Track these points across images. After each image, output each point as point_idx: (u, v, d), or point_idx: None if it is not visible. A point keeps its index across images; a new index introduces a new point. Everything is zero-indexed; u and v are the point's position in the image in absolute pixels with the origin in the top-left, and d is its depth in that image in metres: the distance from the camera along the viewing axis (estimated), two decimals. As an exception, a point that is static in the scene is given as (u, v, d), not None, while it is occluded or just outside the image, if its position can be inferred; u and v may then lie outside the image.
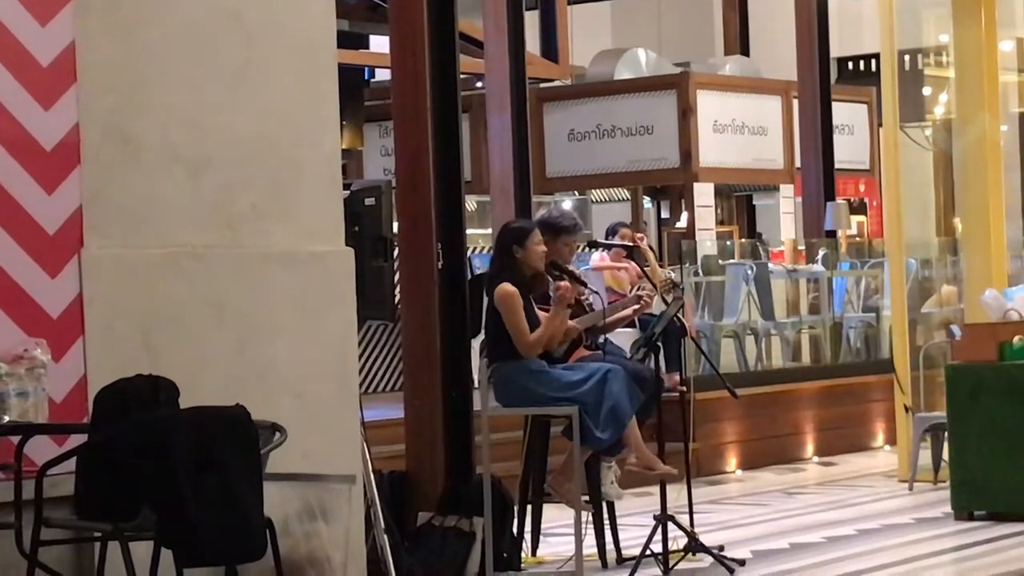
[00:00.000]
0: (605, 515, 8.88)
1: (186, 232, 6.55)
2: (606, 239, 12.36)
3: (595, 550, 8.80)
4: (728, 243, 17.71)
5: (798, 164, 18.00)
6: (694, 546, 8.67)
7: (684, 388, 9.97)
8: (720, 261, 15.18)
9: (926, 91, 15.47)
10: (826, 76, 17.16)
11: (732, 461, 13.25)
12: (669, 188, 20.97)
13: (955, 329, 11.28)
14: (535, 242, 8.55)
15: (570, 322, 8.54)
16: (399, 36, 9.08)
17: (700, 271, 14.70)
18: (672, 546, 8.54)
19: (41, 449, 5.88)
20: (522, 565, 8.73)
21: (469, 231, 10.24)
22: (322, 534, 6.64)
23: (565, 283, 8.50)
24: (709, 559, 8.72)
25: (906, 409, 11.99)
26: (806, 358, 15.62)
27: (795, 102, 17.95)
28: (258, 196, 6.77)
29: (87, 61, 6.32)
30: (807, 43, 17.03)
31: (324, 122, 7.06)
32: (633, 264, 11.53)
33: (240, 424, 5.56)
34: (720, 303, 14.80)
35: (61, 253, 6.26)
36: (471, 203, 16.14)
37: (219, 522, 5.38)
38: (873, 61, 19.63)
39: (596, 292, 9.18)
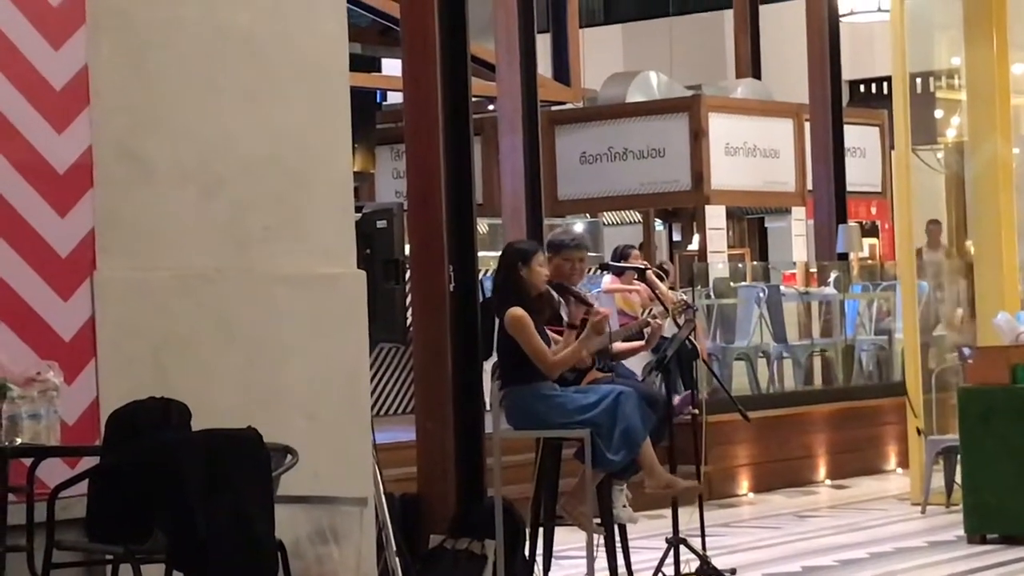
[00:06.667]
0: (617, 538, 8.86)
1: (198, 254, 6.56)
2: (614, 262, 12.35)
3: (607, 573, 8.78)
4: (740, 265, 17.70)
5: (810, 187, 17.99)
6: (706, 569, 8.64)
7: (696, 411, 9.94)
8: (732, 284, 15.17)
9: (938, 114, 15.44)
10: (838, 99, 17.16)
11: (744, 484, 13.22)
12: (681, 211, 20.95)
13: (966, 349, 11.26)
14: (539, 263, 8.53)
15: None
16: (411, 59, 9.09)
17: (712, 294, 14.70)
18: (684, 569, 8.52)
19: (53, 471, 5.88)
20: (534, 588, 8.72)
21: (481, 253, 10.22)
22: (334, 557, 6.63)
23: (604, 311, 8.42)
24: (721, 582, 8.70)
25: (918, 432, 11.97)
26: (818, 381, 15.58)
27: (807, 125, 17.95)
28: (270, 218, 6.78)
29: (100, 84, 6.34)
30: (819, 66, 17.03)
31: (336, 144, 7.07)
32: (644, 286, 11.50)
33: (252, 446, 5.55)
34: (732, 326, 14.79)
35: (73, 275, 6.27)
36: (483, 226, 16.12)
37: (230, 545, 5.38)
38: (885, 84, 19.64)
39: (603, 315, 9.15)
